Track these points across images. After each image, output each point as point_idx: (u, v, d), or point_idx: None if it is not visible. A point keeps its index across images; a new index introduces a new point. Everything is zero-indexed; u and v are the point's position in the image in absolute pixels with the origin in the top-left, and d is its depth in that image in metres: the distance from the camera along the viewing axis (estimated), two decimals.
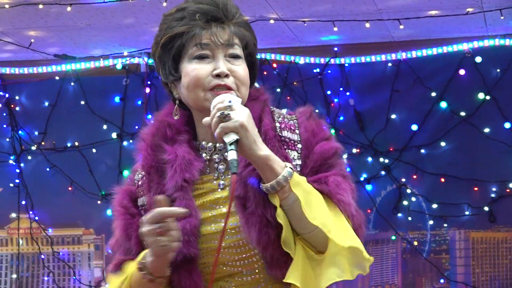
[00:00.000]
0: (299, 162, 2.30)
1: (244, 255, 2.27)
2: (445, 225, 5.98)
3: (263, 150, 2.18)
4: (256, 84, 2.46)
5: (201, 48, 2.28)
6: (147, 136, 2.37)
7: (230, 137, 2.14)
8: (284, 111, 2.42)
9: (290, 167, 2.20)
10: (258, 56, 2.74)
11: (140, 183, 2.37)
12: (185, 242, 2.23)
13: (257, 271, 2.28)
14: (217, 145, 2.31)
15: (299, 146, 2.32)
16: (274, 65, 6.15)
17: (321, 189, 2.24)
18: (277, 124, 2.34)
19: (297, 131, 2.34)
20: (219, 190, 2.31)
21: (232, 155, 2.11)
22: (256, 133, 2.19)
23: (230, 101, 2.15)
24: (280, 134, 2.32)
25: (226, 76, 2.26)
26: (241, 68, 2.29)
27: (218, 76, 2.25)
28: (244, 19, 2.39)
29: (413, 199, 6.05)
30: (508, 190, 5.94)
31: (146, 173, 2.34)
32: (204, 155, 2.34)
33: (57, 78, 6.54)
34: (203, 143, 2.33)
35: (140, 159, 2.37)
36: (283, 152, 2.28)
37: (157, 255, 2.12)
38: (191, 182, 2.30)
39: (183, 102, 2.34)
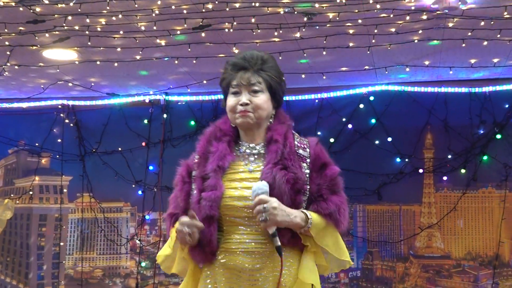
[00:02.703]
0: (307, 170, 2.49)
1: (252, 215, 2.45)
2: None
3: (292, 219, 2.32)
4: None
5: (233, 87, 2.52)
6: (206, 134, 2.57)
7: (272, 229, 2.33)
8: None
9: (310, 219, 2.36)
10: None
11: (195, 161, 2.56)
12: (208, 206, 2.40)
13: (259, 227, 2.43)
14: (251, 145, 2.51)
15: (308, 160, 2.49)
16: None
17: (329, 211, 2.41)
18: (296, 143, 2.51)
19: (307, 150, 2.51)
20: (249, 172, 2.47)
21: (276, 242, 2.30)
22: (286, 213, 2.30)
23: (265, 207, 2.27)
24: (297, 151, 2.48)
25: (246, 104, 2.47)
26: (258, 99, 2.47)
27: (241, 105, 2.49)
28: (268, 64, 2.49)
29: None
30: None
31: (199, 157, 2.54)
32: (243, 148, 2.53)
33: (108, 107, 7.03)
34: (244, 141, 2.55)
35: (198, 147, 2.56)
36: (298, 164, 2.44)
37: (180, 241, 2.43)
38: (222, 168, 2.47)
39: None
